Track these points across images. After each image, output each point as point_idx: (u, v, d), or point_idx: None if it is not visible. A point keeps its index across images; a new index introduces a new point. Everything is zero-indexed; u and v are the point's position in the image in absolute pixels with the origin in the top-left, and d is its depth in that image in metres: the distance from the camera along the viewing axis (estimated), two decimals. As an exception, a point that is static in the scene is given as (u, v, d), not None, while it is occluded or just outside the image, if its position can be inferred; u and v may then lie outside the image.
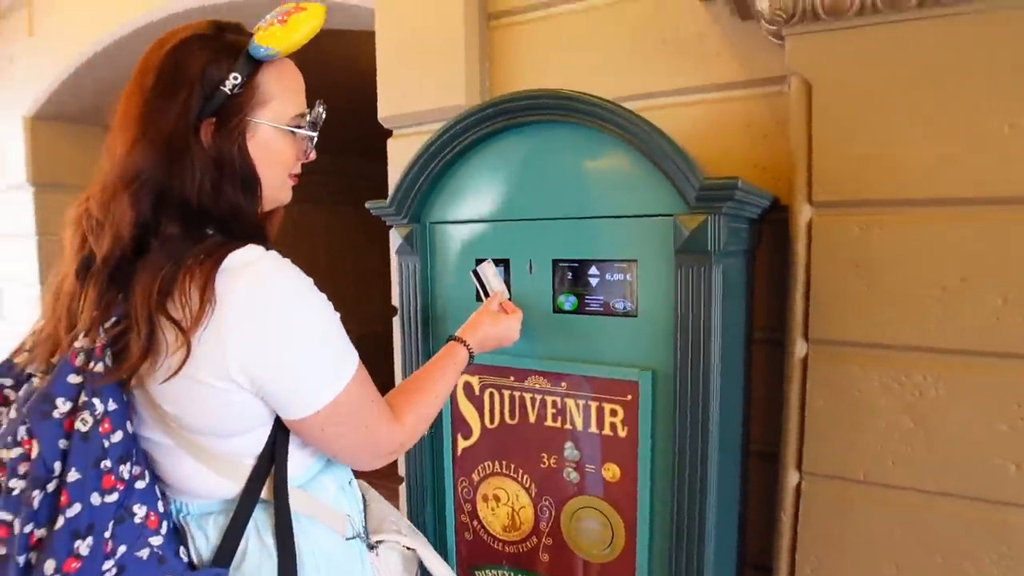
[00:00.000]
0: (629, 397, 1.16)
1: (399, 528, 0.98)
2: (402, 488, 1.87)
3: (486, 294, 1.25)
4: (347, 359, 0.82)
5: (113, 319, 0.73)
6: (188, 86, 0.75)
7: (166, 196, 0.75)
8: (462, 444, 1.38)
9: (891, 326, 1.20)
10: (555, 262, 1.23)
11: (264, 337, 0.73)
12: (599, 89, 1.20)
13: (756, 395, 1.47)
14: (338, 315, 0.81)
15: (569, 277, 1.22)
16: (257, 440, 0.80)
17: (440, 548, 1.44)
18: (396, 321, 1.56)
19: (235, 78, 0.76)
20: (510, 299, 1.27)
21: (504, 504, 1.34)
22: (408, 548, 0.98)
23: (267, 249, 0.77)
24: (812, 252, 1.26)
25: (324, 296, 0.79)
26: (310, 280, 0.78)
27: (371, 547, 0.94)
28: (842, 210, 1.23)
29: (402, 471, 1.57)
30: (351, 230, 5.57)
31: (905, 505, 1.21)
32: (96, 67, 2.96)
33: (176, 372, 0.70)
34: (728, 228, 1.09)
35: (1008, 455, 1.13)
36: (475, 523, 1.39)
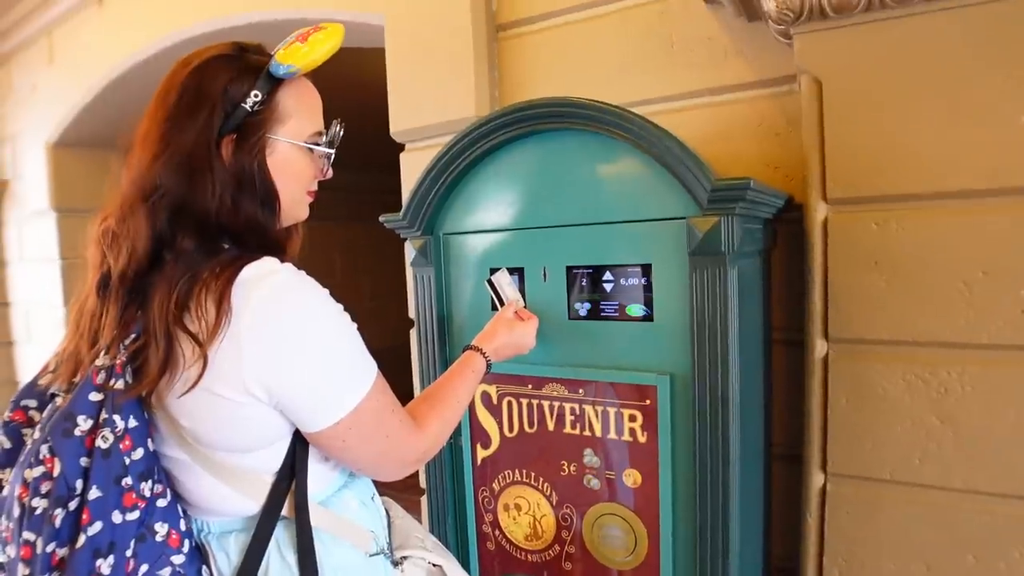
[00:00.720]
0: (648, 402, 1.16)
1: (424, 544, 0.97)
2: (424, 500, 1.88)
3: (501, 303, 1.25)
4: (365, 369, 0.82)
5: (133, 335, 0.74)
6: (210, 104, 0.77)
7: (184, 211, 0.76)
8: (481, 454, 1.38)
9: (913, 322, 1.19)
10: (569, 269, 1.23)
11: (280, 349, 0.73)
12: (608, 96, 1.21)
13: (777, 397, 1.46)
14: (355, 325, 0.81)
15: (584, 283, 1.22)
16: (276, 455, 0.80)
17: (463, 558, 1.44)
18: (413, 333, 1.57)
19: (255, 96, 0.78)
20: (525, 307, 1.27)
21: (525, 513, 1.34)
22: (434, 565, 0.96)
23: (283, 262, 0.78)
24: (829, 250, 1.25)
25: (340, 307, 0.80)
26: (326, 291, 0.79)
27: (395, 563, 0.93)
28: (858, 206, 1.22)
29: (423, 483, 1.57)
30: (367, 246, 5.61)
31: (934, 504, 1.19)
32: (114, 93, 3.02)
33: (194, 385, 0.71)
34: (742, 229, 1.09)
35: (1038, 451, 1.11)
36: (497, 533, 1.39)
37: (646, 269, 1.15)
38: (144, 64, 2.78)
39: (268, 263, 0.76)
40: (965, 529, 1.17)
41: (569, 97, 1.16)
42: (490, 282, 1.26)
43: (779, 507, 1.47)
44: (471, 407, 1.37)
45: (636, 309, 1.16)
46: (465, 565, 1.44)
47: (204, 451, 0.77)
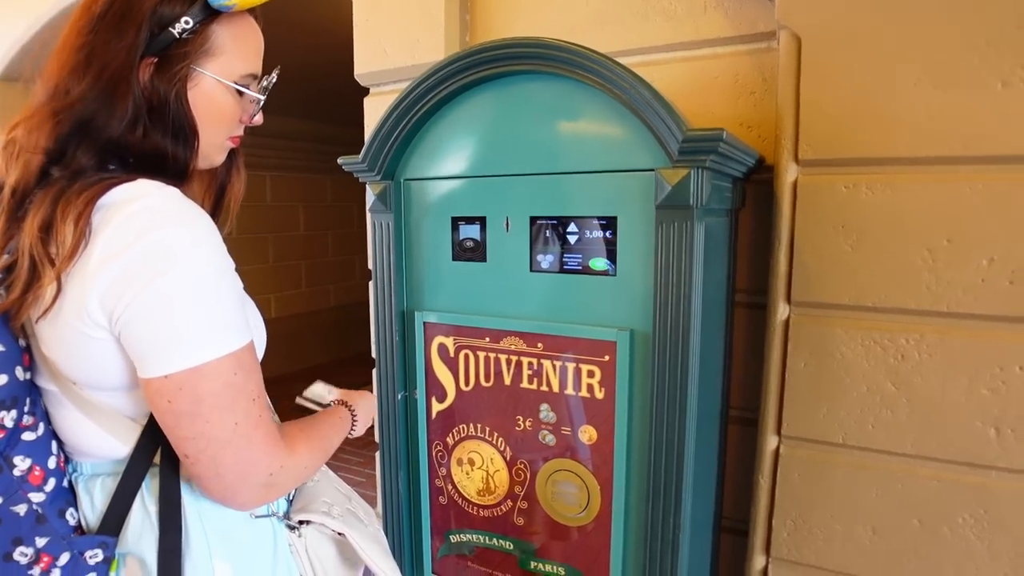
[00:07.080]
0: (607, 358, 1.13)
1: (330, 511, 0.88)
2: (378, 455, 1.85)
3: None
4: (230, 331, 0.70)
5: (7, 252, 0.70)
6: (136, 21, 0.72)
7: (88, 128, 0.71)
8: (436, 407, 1.35)
9: (876, 288, 1.18)
10: (533, 219, 1.18)
11: (129, 270, 0.65)
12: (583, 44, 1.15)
13: (735, 359, 1.45)
14: (238, 284, 0.73)
15: (547, 235, 1.18)
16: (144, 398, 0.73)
17: (414, 513, 1.42)
18: (371, 285, 1.52)
19: (186, 22, 0.73)
20: None
21: (479, 468, 1.32)
22: (339, 534, 0.88)
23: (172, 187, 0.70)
24: (797, 212, 1.23)
25: (226, 256, 0.71)
26: (213, 230, 0.70)
27: (293, 527, 0.86)
28: (829, 169, 1.20)
29: (377, 437, 1.54)
30: (332, 199, 5.48)
31: (884, 469, 1.20)
32: (61, 25, 2.84)
33: (47, 311, 0.67)
34: (711, 184, 1.06)
35: (988, 419, 1.12)
36: (449, 487, 1.37)
37: (611, 222, 1.11)
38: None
39: (142, 186, 0.69)
40: (913, 494, 1.18)
41: (539, 38, 1.11)
42: (306, 398, 1.05)
43: (732, 468, 1.48)
44: (427, 360, 1.33)
45: (599, 263, 1.13)
46: (417, 520, 1.42)
47: (72, 386, 0.72)
